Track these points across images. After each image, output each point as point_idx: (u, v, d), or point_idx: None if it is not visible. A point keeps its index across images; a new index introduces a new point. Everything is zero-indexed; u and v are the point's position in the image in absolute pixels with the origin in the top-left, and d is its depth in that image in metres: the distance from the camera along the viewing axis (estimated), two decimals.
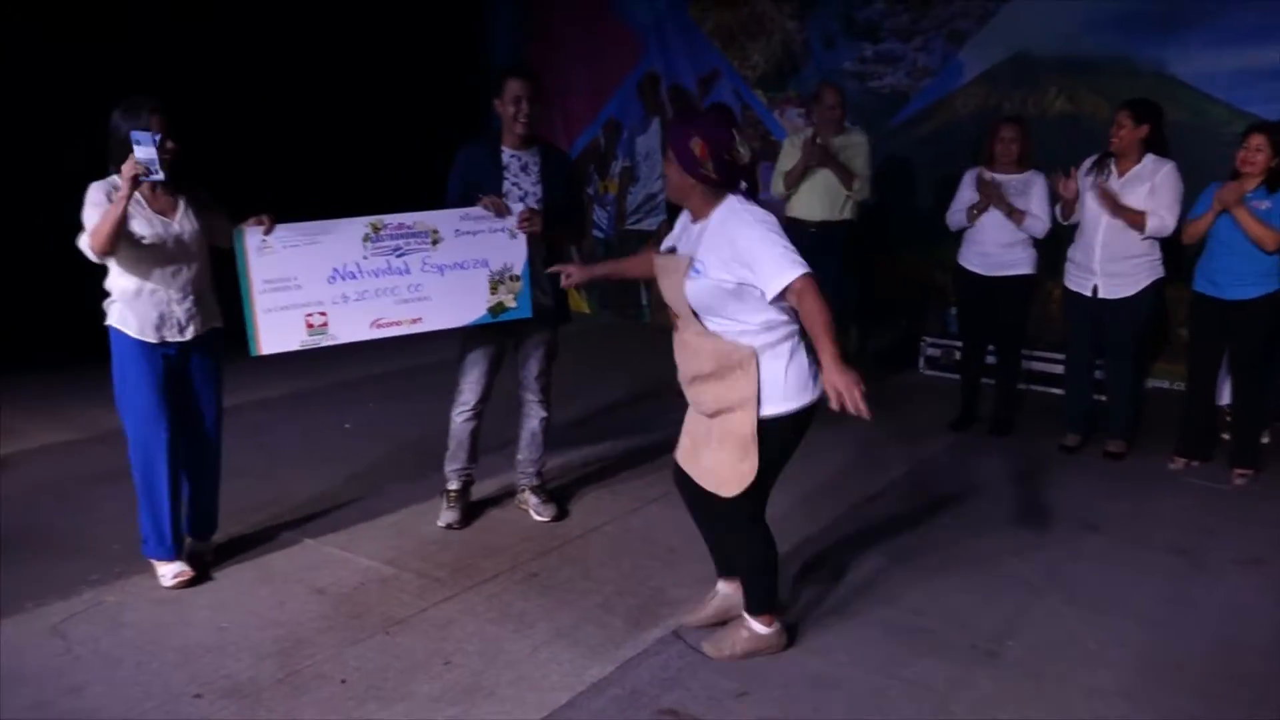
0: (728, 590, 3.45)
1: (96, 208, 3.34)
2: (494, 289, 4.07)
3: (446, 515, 4.29)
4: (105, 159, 3.41)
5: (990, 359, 5.76)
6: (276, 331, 3.71)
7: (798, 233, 5.95)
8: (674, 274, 2.99)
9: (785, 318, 2.92)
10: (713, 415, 3.02)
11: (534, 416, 4.41)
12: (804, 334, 2.91)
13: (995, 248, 5.34)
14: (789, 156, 5.94)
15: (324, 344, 3.82)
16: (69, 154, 5.27)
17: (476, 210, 4.01)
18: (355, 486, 4.71)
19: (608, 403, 6.07)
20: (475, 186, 4.04)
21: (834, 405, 2.66)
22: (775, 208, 7.28)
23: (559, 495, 4.55)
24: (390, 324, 3.92)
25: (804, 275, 2.77)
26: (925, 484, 4.83)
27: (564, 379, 6.44)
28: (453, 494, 4.34)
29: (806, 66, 7.52)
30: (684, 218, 3.12)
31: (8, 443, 5.26)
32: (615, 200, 8.83)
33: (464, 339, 4.23)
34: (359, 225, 3.81)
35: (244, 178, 5.48)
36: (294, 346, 3.76)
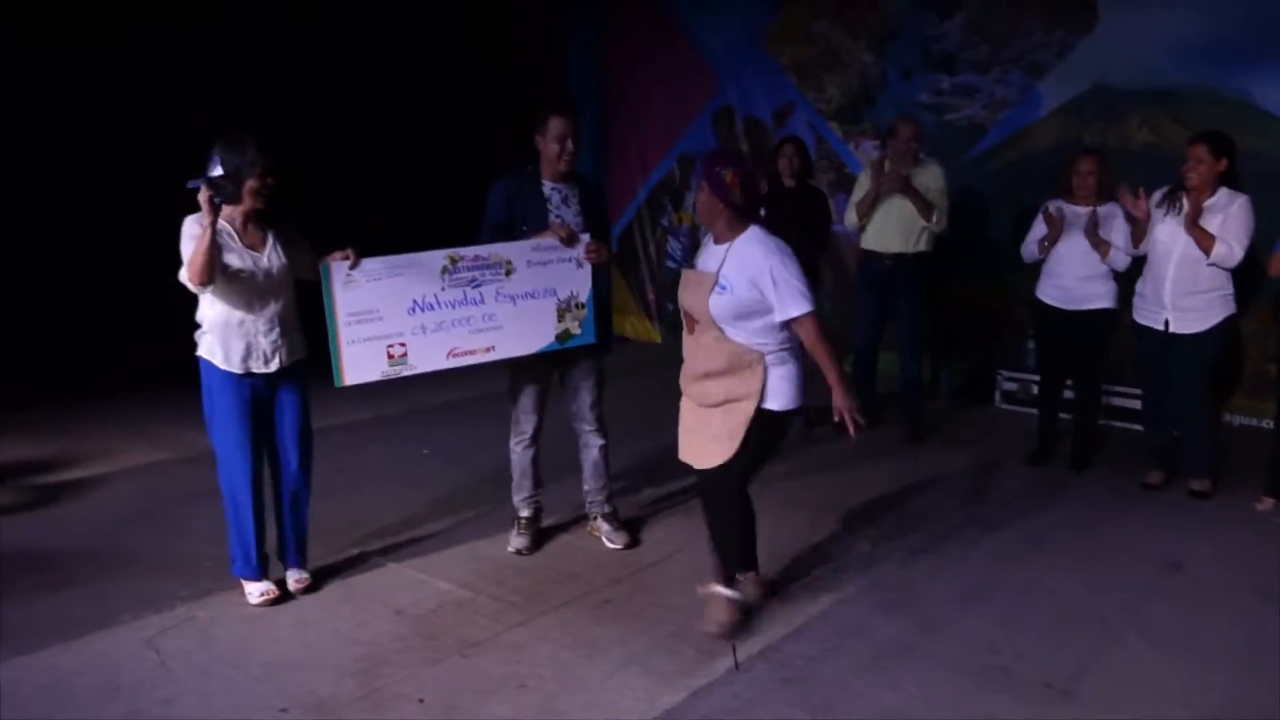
0: (749, 583, 3.83)
1: (192, 240, 3.51)
2: (561, 317, 4.19)
3: (516, 541, 4.38)
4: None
5: (1069, 393, 5.69)
6: (360, 363, 3.85)
7: (872, 264, 5.97)
8: (700, 286, 3.51)
9: (786, 334, 3.46)
10: (718, 405, 3.53)
11: (593, 446, 4.48)
12: (800, 349, 3.50)
13: (1074, 280, 5.29)
14: (864, 188, 5.96)
15: (404, 374, 3.96)
16: (162, 186, 5.52)
17: (547, 240, 4.13)
18: (434, 510, 4.84)
19: (660, 433, 6.11)
20: (521, 218, 4.17)
21: (836, 419, 3.40)
22: (849, 239, 7.35)
23: (631, 523, 4.61)
24: (465, 353, 4.05)
25: (811, 313, 3.38)
26: (1001, 520, 4.78)
27: (635, 408, 6.53)
28: (523, 521, 4.44)
29: (882, 99, 7.54)
30: (707, 239, 3.63)
31: (104, 463, 5.50)
32: (689, 231, 8.91)
33: (511, 373, 4.34)
34: (438, 258, 3.95)
35: (335, 209, 5.71)
36: (375, 377, 3.89)
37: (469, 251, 4.03)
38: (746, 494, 3.68)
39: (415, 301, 3.93)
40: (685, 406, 3.70)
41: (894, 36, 7.46)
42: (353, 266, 3.78)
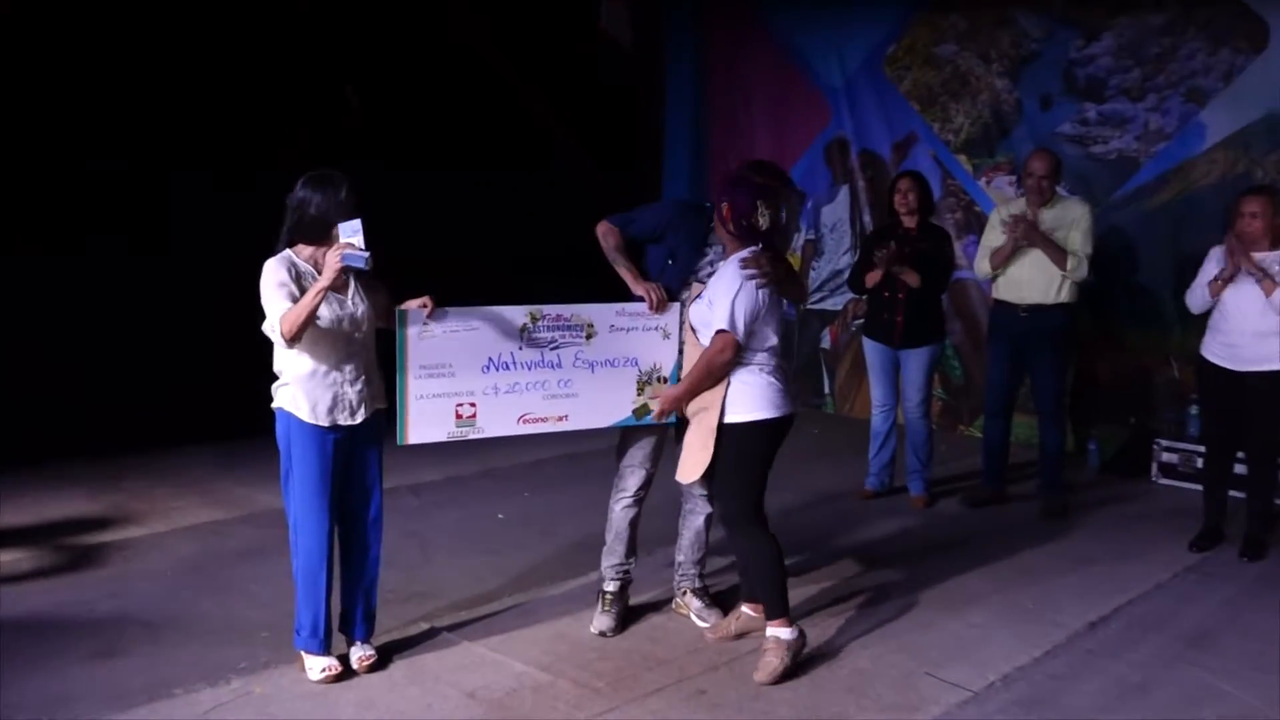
0: (751, 612, 4.24)
1: (282, 288, 3.62)
2: (640, 389, 4.24)
3: (601, 621, 4.39)
4: (273, 231, 3.75)
5: (1239, 468, 5.52)
6: (426, 420, 3.93)
7: (1006, 316, 5.90)
8: (695, 296, 4.10)
9: (758, 351, 3.93)
10: (694, 414, 4.03)
11: (699, 513, 4.49)
12: (779, 367, 3.99)
13: (1244, 338, 5.15)
14: (995, 231, 5.93)
15: (470, 436, 4.04)
16: (218, 230, 5.74)
17: (635, 306, 4.19)
18: (510, 583, 4.89)
19: (779, 504, 6.09)
20: (669, 249, 4.23)
21: (655, 412, 4.17)
22: (979, 286, 7.29)
23: (724, 601, 4.60)
24: (537, 420, 4.13)
25: (726, 333, 3.87)
26: (1161, 613, 4.64)
27: None
28: (609, 596, 4.44)
29: (1017, 129, 7.50)
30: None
31: (155, 521, 5.70)
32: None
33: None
34: (519, 314, 4.04)
35: (414, 254, 5.83)
36: (441, 438, 3.97)
37: (551, 310, 4.10)
38: (766, 528, 4.05)
39: (490, 359, 4.01)
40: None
41: (1031, 59, 7.44)
42: (430, 315, 3.88)
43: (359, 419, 3.80)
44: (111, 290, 6.95)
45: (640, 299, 4.21)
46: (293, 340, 3.61)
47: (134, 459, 6.78)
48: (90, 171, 6.82)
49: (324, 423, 3.74)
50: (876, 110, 8.26)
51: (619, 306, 4.19)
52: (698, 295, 4.04)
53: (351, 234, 3.58)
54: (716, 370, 3.92)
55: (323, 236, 3.68)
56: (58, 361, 6.83)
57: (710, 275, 4.12)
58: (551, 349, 4.10)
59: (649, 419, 4.26)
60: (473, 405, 4.00)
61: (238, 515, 5.78)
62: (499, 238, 8.22)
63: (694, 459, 4.03)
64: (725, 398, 3.94)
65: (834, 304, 8.66)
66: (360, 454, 3.89)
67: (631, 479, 4.38)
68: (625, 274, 4.25)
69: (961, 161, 7.83)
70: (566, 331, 4.12)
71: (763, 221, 3.89)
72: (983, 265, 6.00)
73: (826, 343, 8.71)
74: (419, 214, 7.50)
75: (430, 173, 8.04)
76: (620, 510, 4.42)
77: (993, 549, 5.37)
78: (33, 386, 6.68)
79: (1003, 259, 5.83)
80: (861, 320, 7.39)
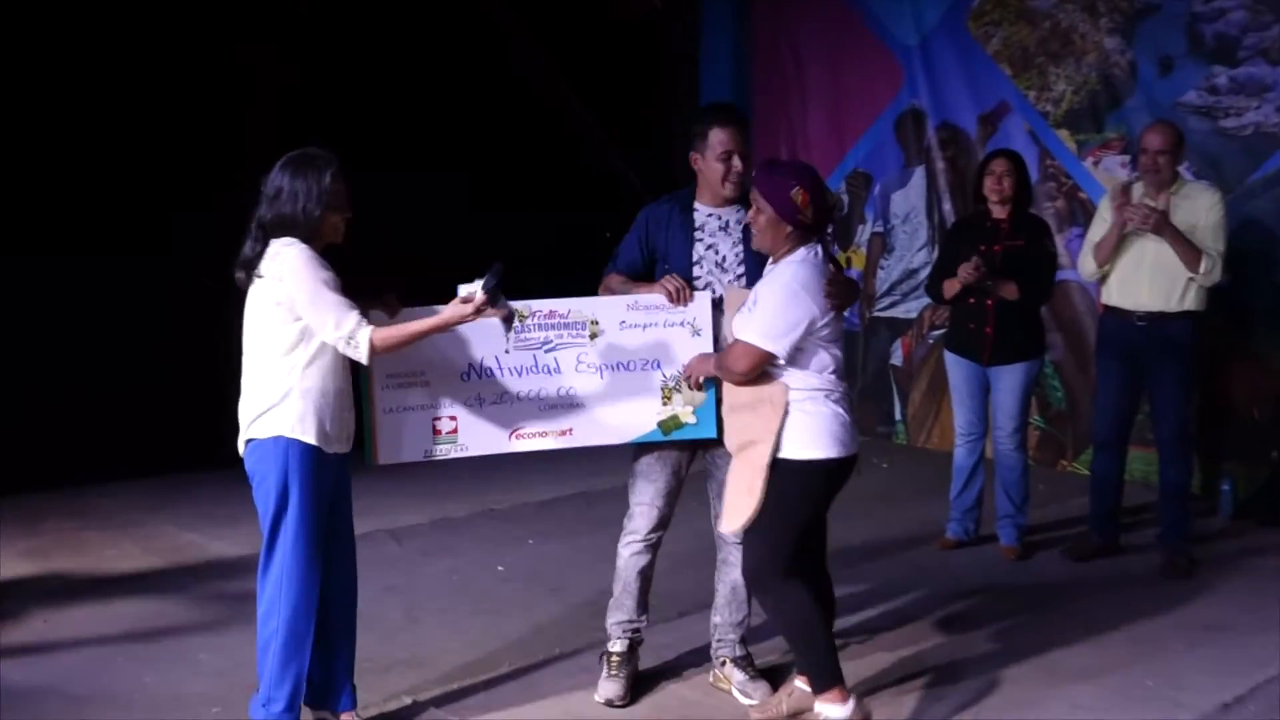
0: (805, 687, 4.09)
1: (331, 284, 3.67)
2: (667, 398, 4.24)
3: (606, 688, 4.39)
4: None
5: None
6: (398, 436, 3.99)
7: (1118, 327, 5.88)
8: (735, 304, 4.02)
9: (822, 374, 3.91)
10: (739, 450, 3.95)
11: (736, 565, 4.45)
12: (845, 395, 3.98)
13: None
14: (1104, 223, 5.90)
15: (453, 455, 4.09)
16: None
17: (650, 297, 4.20)
18: (511, 648, 4.89)
19: (840, 555, 6.08)
20: (662, 254, 4.28)
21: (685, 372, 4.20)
22: (1085, 292, 7.26)
23: (772, 673, 4.58)
24: (534, 435, 4.16)
25: (754, 345, 3.81)
26: None
27: None
28: (615, 658, 4.45)
29: (1131, 99, 7.49)
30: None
31: (86, 569, 5.74)
32: (862, 277, 8.92)
33: (633, 449, 4.40)
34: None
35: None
36: (417, 456, 4.03)
37: (541, 305, 4.14)
38: (803, 584, 3.94)
39: (471, 365, 4.07)
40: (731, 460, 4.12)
41: (1149, 13, 7.42)
42: (391, 315, 3.92)
43: (348, 446, 3.88)
44: (19, 298, 7.08)
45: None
46: (370, 357, 3.69)
47: (54, 495, 6.85)
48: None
49: (331, 448, 3.79)
50: (959, 75, 8.27)
51: (630, 299, 4.22)
52: (742, 304, 3.97)
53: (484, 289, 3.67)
54: (726, 374, 3.97)
55: (306, 234, 3.72)
56: None
57: (739, 278, 4.21)
58: (546, 351, 4.14)
59: (684, 434, 4.26)
60: (453, 419, 4.05)
61: (181, 564, 5.83)
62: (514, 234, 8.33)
63: (738, 503, 3.92)
64: (781, 429, 3.86)
65: (906, 310, 8.66)
66: (344, 487, 3.95)
67: (642, 519, 4.39)
68: (637, 289, 4.29)
69: (1063, 138, 7.82)
70: (564, 330, 4.15)
71: (833, 198, 3.88)
72: (1087, 263, 5.97)
73: (898, 358, 8.70)
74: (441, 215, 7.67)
75: (444, 171, 8.22)
76: (629, 556, 4.43)
77: (1102, 613, 5.34)
78: None
79: (1108, 252, 5.80)
80: (942, 331, 7.38)
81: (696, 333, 4.23)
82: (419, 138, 8.33)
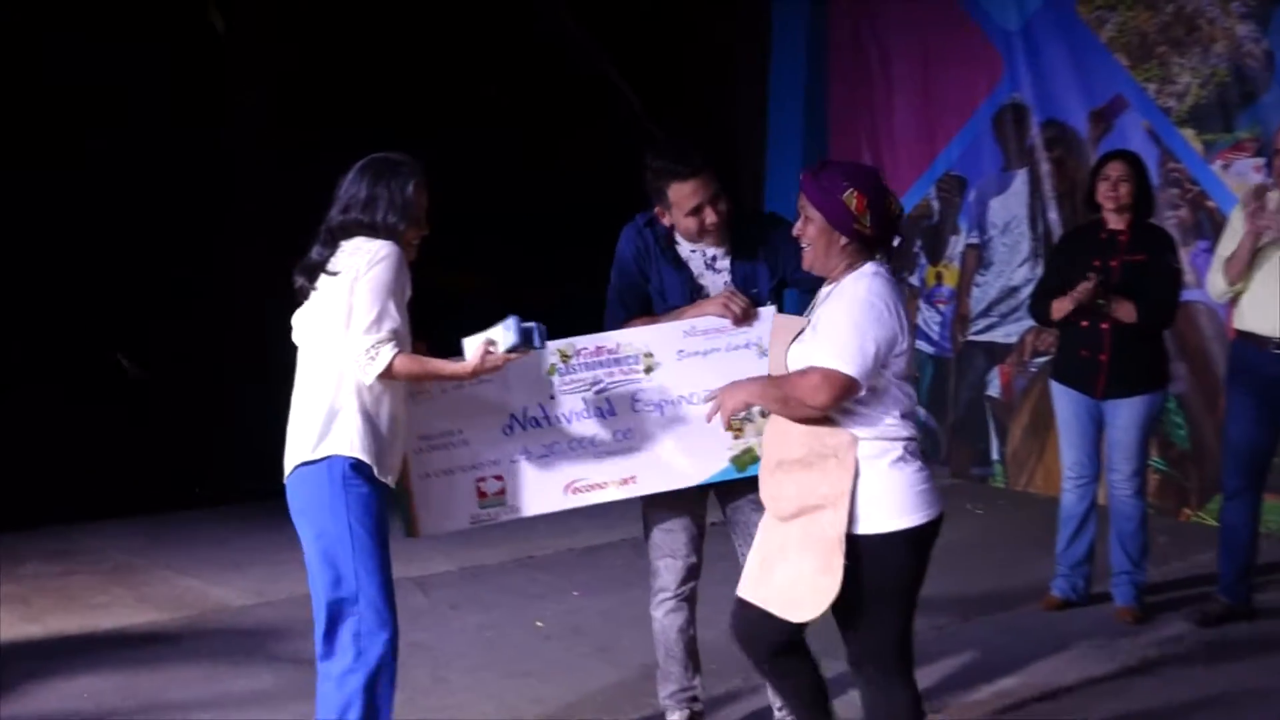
0: None
1: (401, 295, 3.73)
2: (739, 431, 4.23)
3: None
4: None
5: None
6: (439, 505, 4.01)
7: (1252, 355, 5.81)
8: (786, 334, 3.73)
9: (898, 419, 3.61)
10: (793, 517, 3.63)
11: None
12: (919, 448, 3.67)
13: None
14: (1235, 236, 5.85)
15: (504, 518, 4.12)
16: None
17: (707, 320, 4.21)
18: (552, 716, 4.89)
19: (925, 616, 6.04)
20: (659, 289, 4.32)
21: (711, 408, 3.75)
22: (1215, 314, 7.18)
23: None
24: (592, 487, 4.17)
25: (837, 370, 3.46)
26: None
27: None
28: None
29: (1267, 93, 7.44)
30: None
31: (73, 620, 5.78)
32: (954, 295, 8.88)
33: (644, 502, 4.42)
34: (543, 354, 4.07)
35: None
36: (463, 524, 4.07)
37: (587, 342, 4.15)
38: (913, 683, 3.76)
39: (513, 416, 4.08)
40: (763, 522, 3.84)
41: None
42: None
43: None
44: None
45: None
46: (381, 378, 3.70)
47: (37, 535, 6.92)
48: None
49: (385, 476, 3.79)
50: (1067, 65, 8.23)
51: (686, 325, 4.22)
52: (798, 334, 3.73)
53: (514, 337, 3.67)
54: (792, 407, 3.58)
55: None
56: None
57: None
58: (597, 392, 4.15)
59: (757, 469, 4.25)
60: (499, 479, 4.07)
61: (182, 616, 5.87)
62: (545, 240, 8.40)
63: (813, 586, 3.59)
64: (855, 493, 3.56)
65: (1006, 334, 8.60)
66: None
67: (669, 574, 4.43)
68: (673, 317, 4.28)
69: (1188, 138, 7.77)
70: (615, 367, 4.16)
71: (897, 206, 3.72)
72: (1216, 281, 5.91)
73: (995, 389, 8.65)
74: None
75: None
76: (663, 617, 4.46)
77: (1236, 688, 5.26)
78: None
79: (1241, 268, 5.74)
80: (1047, 358, 7.33)
81: (764, 354, 4.20)
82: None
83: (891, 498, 3.57)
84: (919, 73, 8.97)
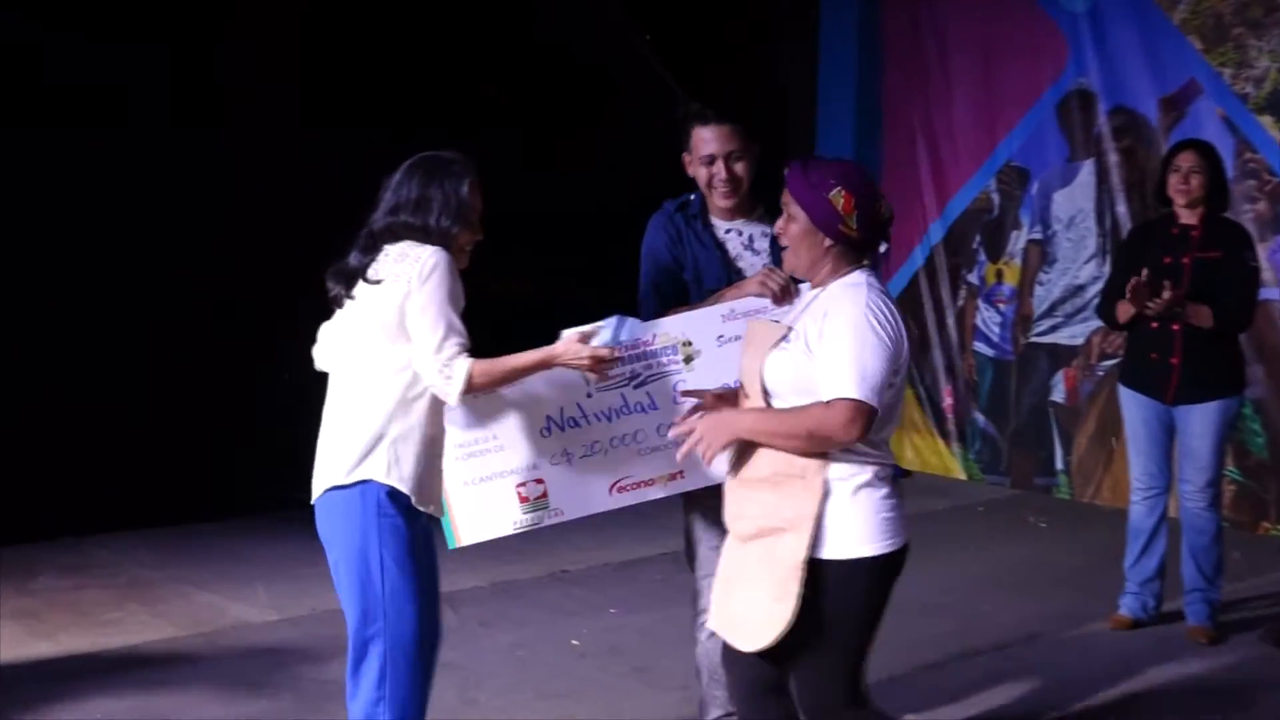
0: None
1: (458, 303, 3.66)
2: None
3: None
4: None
5: None
6: (479, 512, 4.02)
7: None
8: (762, 341, 3.64)
9: (878, 444, 3.54)
10: (753, 538, 3.59)
11: None
12: (894, 477, 3.59)
13: None
14: None
15: (548, 522, 4.10)
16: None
17: (746, 302, 4.19)
18: None
19: (987, 634, 6.04)
20: (694, 274, 4.32)
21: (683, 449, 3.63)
22: None
23: None
24: (639, 485, 4.17)
25: (868, 404, 3.39)
26: None
27: (912, 588, 6.46)
28: None
29: None
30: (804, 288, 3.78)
31: (84, 637, 5.83)
32: (1015, 294, 8.87)
33: (685, 505, 4.44)
34: None
35: None
36: (506, 530, 4.06)
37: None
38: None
39: (550, 418, 4.07)
40: (726, 544, 3.79)
41: None
42: None
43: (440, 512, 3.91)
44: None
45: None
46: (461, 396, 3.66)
47: (48, 548, 7.00)
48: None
49: (424, 506, 3.77)
50: (1137, 49, 8.22)
51: (724, 308, 4.21)
52: (778, 342, 3.63)
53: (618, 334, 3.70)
54: (818, 444, 3.48)
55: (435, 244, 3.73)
56: None
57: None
58: (636, 386, 4.14)
59: None
60: (540, 482, 4.06)
61: (199, 633, 5.92)
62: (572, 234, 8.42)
63: (766, 614, 3.55)
64: (822, 517, 3.50)
65: (1071, 336, 8.59)
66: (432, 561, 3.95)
67: (711, 592, 4.41)
68: (714, 301, 4.29)
69: (1266, 125, 7.76)
70: (652, 359, 4.15)
71: (886, 207, 3.64)
72: None
73: (1059, 394, 8.63)
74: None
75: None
76: (708, 639, 4.41)
77: None
78: None
79: None
80: (1115, 361, 7.31)
81: None
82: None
83: (857, 523, 3.50)
84: (979, 59, 8.97)
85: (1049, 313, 8.69)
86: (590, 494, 4.13)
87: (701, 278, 4.33)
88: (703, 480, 4.19)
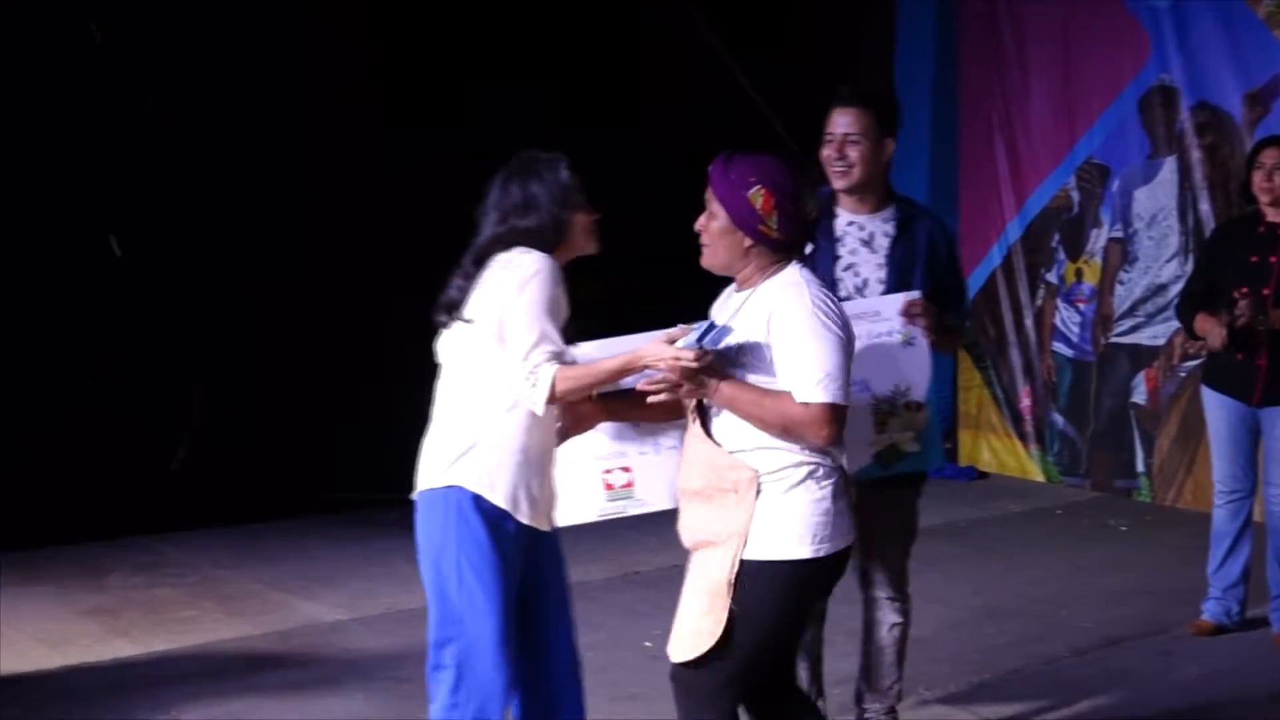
0: None
1: (557, 310, 3.64)
2: (881, 424, 4.23)
3: None
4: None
5: None
6: (564, 496, 3.98)
7: None
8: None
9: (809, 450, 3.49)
10: (691, 549, 3.61)
11: (883, 623, 4.52)
12: (842, 477, 3.57)
13: None
14: None
15: (631, 512, 4.09)
16: None
17: (851, 307, 4.13)
18: None
19: (1064, 639, 5.99)
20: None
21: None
22: None
23: None
24: None
25: (840, 406, 3.44)
26: None
27: (990, 592, 6.41)
28: None
29: None
30: (728, 290, 3.74)
31: (160, 637, 5.91)
32: (1095, 294, 8.80)
33: None
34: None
35: None
36: (591, 517, 4.04)
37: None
38: None
39: None
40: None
41: None
42: None
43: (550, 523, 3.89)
44: (76, 313, 7.42)
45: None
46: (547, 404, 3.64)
47: (120, 546, 7.09)
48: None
49: (526, 519, 3.75)
50: (1221, 43, 8.12)
51: None
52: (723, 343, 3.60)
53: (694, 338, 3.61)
54: (791, 438, 3.47)
55: (550, 246, 3.73)
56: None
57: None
58: None
59: (906, 466, 4.28)
60: (626, 470, 4.05)
61: (272, 632, 5.98)
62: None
63: (694, 628, 3.54)
64: (754, 516, 3.49)
65: (1153, 336, 8.50)
66: (551, 575, 3.98)
67: None
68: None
69: None
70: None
71: (813, 207, 3.61)
72: None
73: (1140, 395, 8.55)
74: None
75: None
76: None
77: None
78: None
79: None
80: (1199, 362, 7.22)
81: (909, 341, 4.23)
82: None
83: (781, 524, 3.47)
84: (1058, 53, 8.88)
85: (1130, 312, 8.60)
86: (676, 487, 4.12)
87: (815, 266, 4.26)
88: None
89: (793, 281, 3.54)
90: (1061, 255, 8.98)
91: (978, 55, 9.29)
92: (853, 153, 4.29)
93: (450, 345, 3.79)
